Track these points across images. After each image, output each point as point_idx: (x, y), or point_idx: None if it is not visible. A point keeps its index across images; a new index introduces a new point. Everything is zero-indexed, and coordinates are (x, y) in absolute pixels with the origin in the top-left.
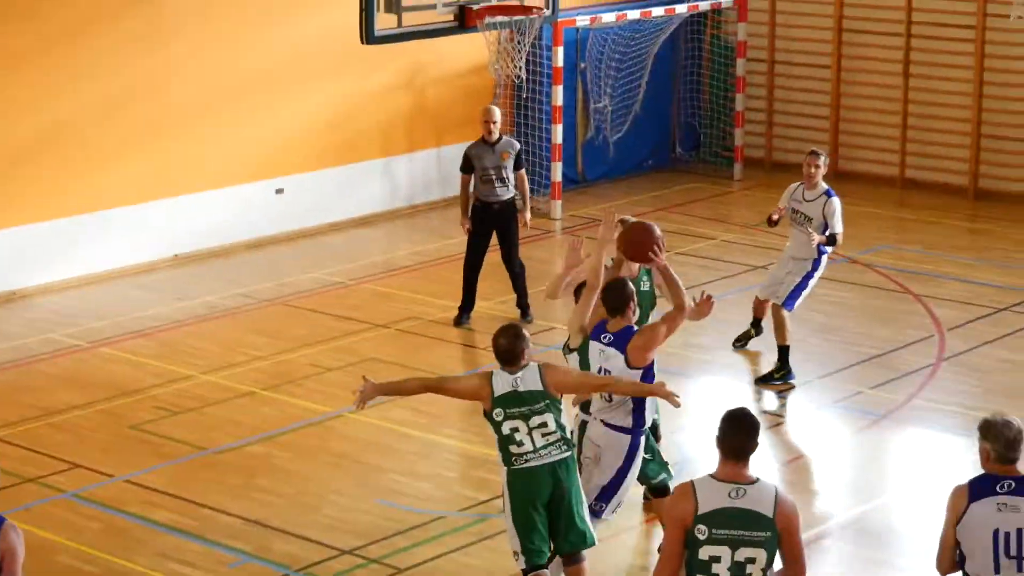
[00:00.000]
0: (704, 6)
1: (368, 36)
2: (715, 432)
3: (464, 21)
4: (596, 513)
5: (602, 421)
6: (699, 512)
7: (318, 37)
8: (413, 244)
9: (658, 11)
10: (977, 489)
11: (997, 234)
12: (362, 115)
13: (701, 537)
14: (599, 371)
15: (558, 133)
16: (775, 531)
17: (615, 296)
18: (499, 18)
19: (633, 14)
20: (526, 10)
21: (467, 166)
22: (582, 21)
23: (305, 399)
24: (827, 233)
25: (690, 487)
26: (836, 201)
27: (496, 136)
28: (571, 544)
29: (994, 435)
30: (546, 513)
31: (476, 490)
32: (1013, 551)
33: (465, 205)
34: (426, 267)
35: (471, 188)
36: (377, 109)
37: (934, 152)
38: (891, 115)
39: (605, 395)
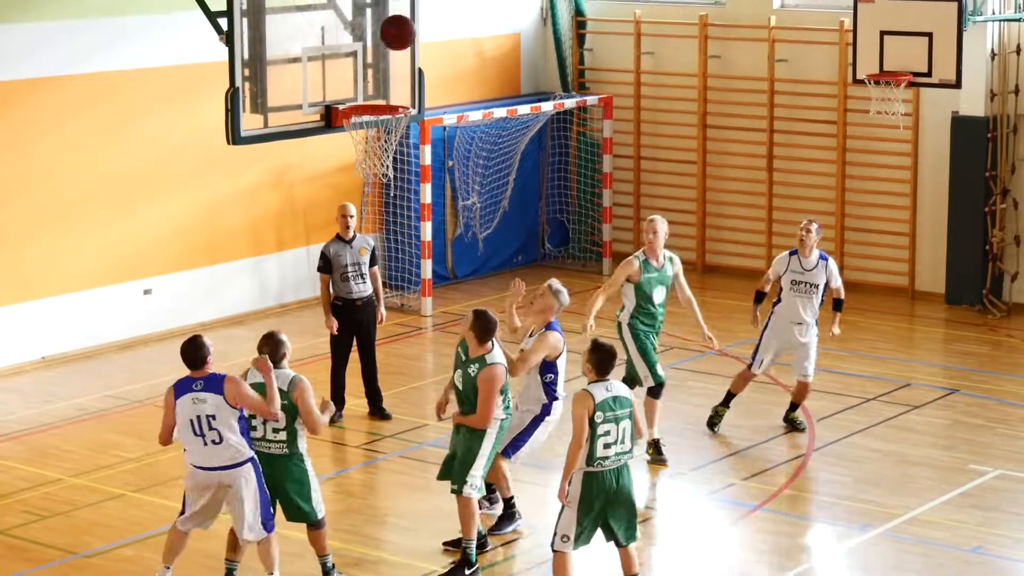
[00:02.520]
0: (570, 104)
1: (234, 137)
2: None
3: (330, 121)
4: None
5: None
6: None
7: (185, 138)
8: None
9: (524, 109)
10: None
11: (864, 326)
12: (231, 214)
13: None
14: None
15: (427, 231)
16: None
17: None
18: (365, 117)
19: (499, 112)
20: (392, 109)
21: (327, 265)
22: (449, 120)
23: (176, 500)
24: (835, 298)
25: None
26: (832, 262)
27: (352, 233)
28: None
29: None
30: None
31: None
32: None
33: (327, 305)
34: (297, 366)
35: (330, 287)
36: (246, 208)
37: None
38: (756, 209)
39: None
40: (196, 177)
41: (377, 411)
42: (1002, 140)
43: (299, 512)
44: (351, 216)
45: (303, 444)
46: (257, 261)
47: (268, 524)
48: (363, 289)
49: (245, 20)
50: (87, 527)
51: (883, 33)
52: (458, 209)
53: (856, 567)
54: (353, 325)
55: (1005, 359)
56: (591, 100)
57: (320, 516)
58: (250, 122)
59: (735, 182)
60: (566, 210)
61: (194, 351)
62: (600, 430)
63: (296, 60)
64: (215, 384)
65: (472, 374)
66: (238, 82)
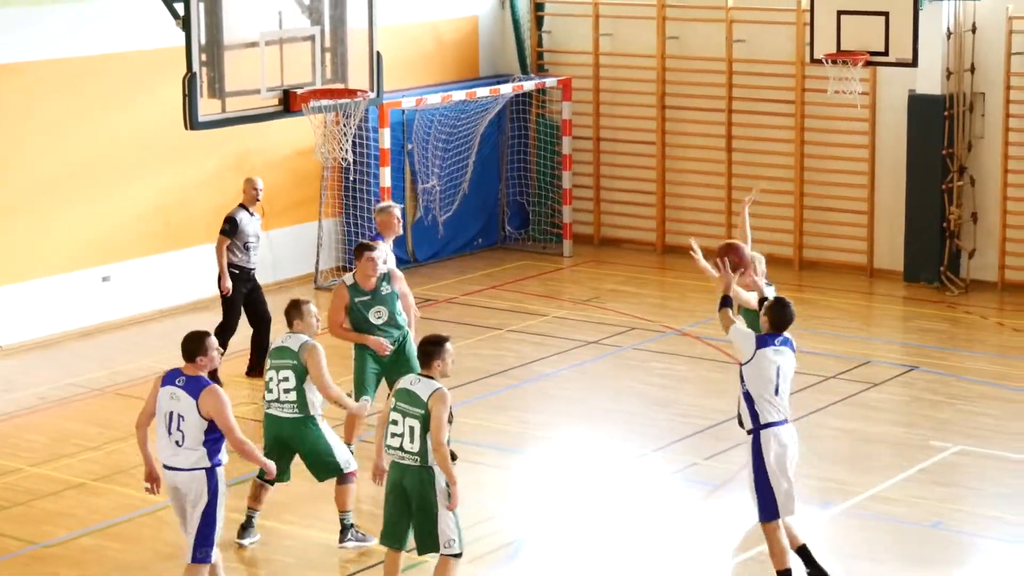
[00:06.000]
0: (529, 86)
1: (192, 122)
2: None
3: (289, 105)
4: None
5: None
6: None
7: (143, 124)
8: (245, 328)
9: (483, 92)
10: None
11: (822, 304)
12: (190, 201)
13: None
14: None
15: None
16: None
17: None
18: (324, 101)
19: (458, 95)
20: (351, 93)
21: (233, 231)
22: (407, 103)
23: (138, 489)
24: None
25: None
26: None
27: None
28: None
29: None
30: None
31: (316, 574)
32: None
33: (224, 266)
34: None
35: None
36: (205, 194)
37: (759, 224)
38: (715, 189)
39: None
40: (154, 163)
41: (258, 370)
42: (958, 118)
43: (325, 467)
44: (260, 190)
45: (317, 409)
46: None
47: (197, 554)
48: (255, 260)
49: (202, 4)
50: (48, 517)
51: (840, 13)
52: (418, 192)
53: (818, 544)
54: (248, 292)
55: (963, 336)
56: (550, 82)
57: (347, 471)
58: (208, 107)
59: (694, 162)
60: (526, 192)
61: (189, 344)
62: (391, 416)
63: (254, 44)
64: (195, 387)
65: None
66: (195, 67)
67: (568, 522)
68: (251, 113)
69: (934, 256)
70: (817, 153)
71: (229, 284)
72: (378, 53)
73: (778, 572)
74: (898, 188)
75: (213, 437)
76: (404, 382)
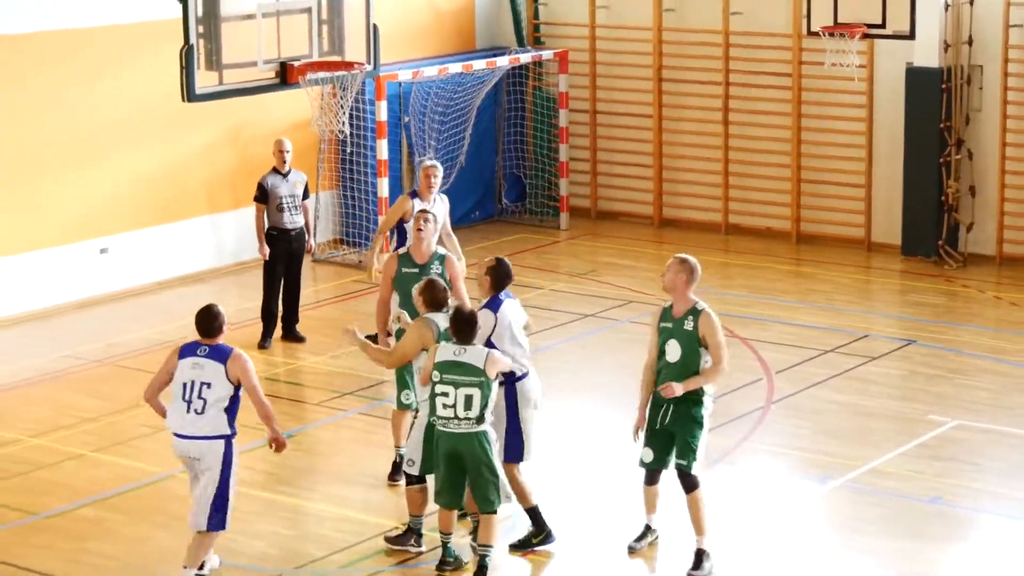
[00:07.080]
0: (525, 59)
1: (189, 94)
2: None
3: (286, 78)
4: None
5: None
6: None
7: (140, 96)
8: (241, 300)
9: (480, 64)
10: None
11: (819, 277)
12: (187, 172)
13: None
14: None
15: (384, 187)
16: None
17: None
18: (321, 74)
19: (455, 67)
20: (348, 65)
21: (263, 196)
22: (404, 75)
23: (137, 460)
24: None
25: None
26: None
27: (288, 167)
28: None
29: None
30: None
31: (314, 546)
32: None
33: (262, 233)
34: (255, 324)
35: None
36: (202, 166)
37: (756, 198)
38: (713, 162)
39: None
40: (152, 135)
41: (291, 334)
42: (956, 91)
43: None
44: (287, 151)
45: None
46: (214, 219)
47: (212, 521)
48: (296, 220)
49: None
50: (47, 487)
51: None
52: (414, 165)
53: (815, 519)
54: (285, 253)
55: (961, 309)
56: (546, 55)
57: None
58: (205, 79)
59: (691, 135)
60: (523, 165)
61: (209, 319)
62: (439, 389)
63: (251, 16)
64: (220, 354)
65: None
66: (193, 39)
67: (565, 494)
68: (248, 85)
69: (932, 230)
70: (814, 126)
71: (266, 249)
72: (375, 25)
73: (527, 510)
74: (896, 161)
75: (233, 406)
76: (446, 353)
